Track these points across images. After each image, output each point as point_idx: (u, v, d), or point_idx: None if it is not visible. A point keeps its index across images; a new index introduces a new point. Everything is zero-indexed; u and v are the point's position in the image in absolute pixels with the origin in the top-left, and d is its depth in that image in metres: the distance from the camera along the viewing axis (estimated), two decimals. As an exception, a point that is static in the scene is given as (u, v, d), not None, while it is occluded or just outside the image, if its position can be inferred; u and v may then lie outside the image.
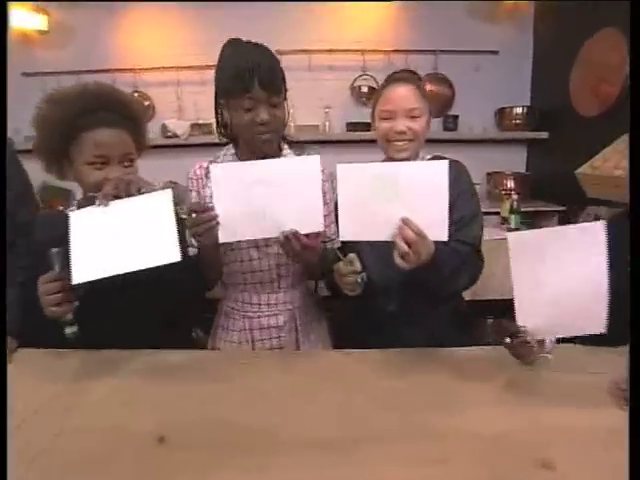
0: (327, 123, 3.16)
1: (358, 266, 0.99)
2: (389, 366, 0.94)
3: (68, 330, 0.91)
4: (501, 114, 3.12)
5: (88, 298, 0.91)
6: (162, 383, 0.88)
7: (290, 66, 2.87)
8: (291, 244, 0.94)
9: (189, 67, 3.11)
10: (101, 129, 1.01)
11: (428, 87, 3.17)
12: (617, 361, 0.86)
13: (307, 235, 0.95)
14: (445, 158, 1.09)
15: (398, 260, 0.90)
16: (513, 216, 2.45)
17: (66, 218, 0.92)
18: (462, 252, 1.06)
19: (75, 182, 1.06)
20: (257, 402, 0.82)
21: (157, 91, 3.22)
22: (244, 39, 1.08)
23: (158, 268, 0.85)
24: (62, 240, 0.90)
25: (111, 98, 1.05)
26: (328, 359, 1.03)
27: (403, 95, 1.13)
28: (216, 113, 1.14)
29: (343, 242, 1.16)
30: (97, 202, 0.92)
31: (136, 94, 3.18)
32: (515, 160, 3.23)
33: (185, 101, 3.19)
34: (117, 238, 0.90)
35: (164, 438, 0.71)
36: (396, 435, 0.72)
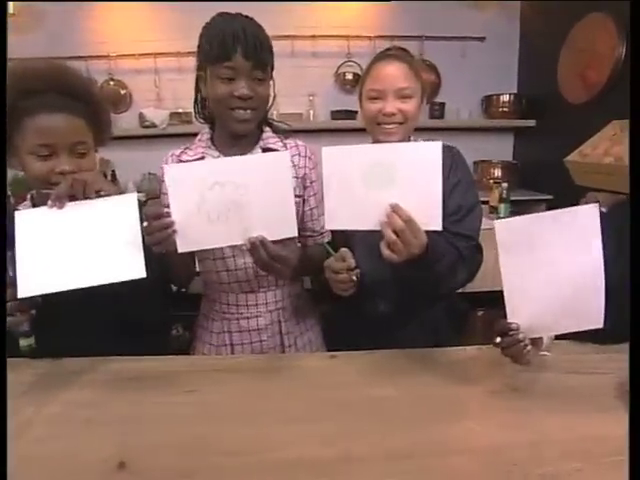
0: (311, 111, 3.05)
1: (352, 262, 0.90)
2: (378, 371, 0.86)
3: (23, 342, 0.80)
4: (488, 101, 3.05)
5: (46, 306, 0.81)
6: (126, 396, 0.79)
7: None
8: (259, 253, 0.83)
9: (167, 54, 2.97)
10: (46, 114, 0.88)
11: (414, 74, 3.09)
12: (621, 359, 0.80)
13: (279, 241, 0.85)
14: (447, 145, 1.01)
15: (386, 251, 0.81)
16: (502, 205, 2.39)
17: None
18: (460, 246, 0.98)
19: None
20: (231, 418, 0.73)
21: (134, 79, 3.07)
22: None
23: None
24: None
25: (61, 78, 0.92)
26: (312, 364, 0.95)
27: (393, 73, 1.03)
28: (196, 89, 1.03)
29: (333, 236, 1.08)
30: (49, 203, 0.81)
31: (112, 82, 3.03)
32: (502, 148, 3.18)
33: (163, 89, 3.05)
34: (72, 247, 0.79)
35: (124, 464, 0.62)
36: (386, 451, 0.64)
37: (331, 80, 3.10)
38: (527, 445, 0.65)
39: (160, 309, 1.02)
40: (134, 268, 0.77)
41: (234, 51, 0.90)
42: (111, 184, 0.91)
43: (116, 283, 0.77)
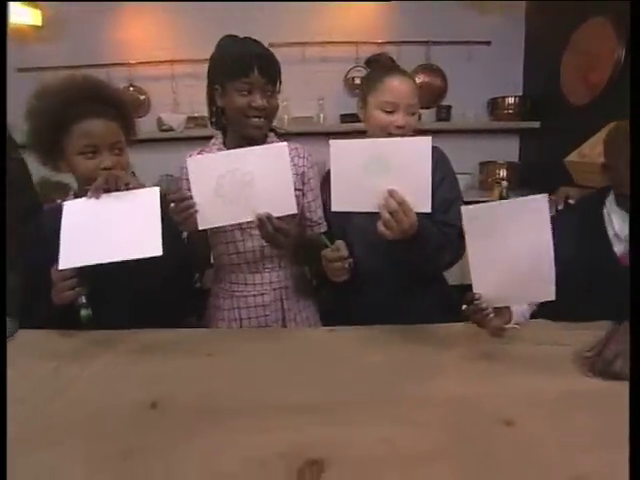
0: (321, 115, 3.20)
1: (345, 252, 1.05)
2: (372, 341, 1.00)
3: (83, 312, 0.97)
4: (493, 104, 3.16)
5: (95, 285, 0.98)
6: (154, 359, 0.94)
7: (284, 59, 2.86)
8: (265, 226, 0.99)
9: (184, 61, 3.15)
10: (89, 119, 1.05)
11: (421, 78, 3.22)
12: (583, 334, 0.92)
13: (281, 218, 1.01)
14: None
15: (381, 228, 0.95)
16: (503, 203, 2.51)
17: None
18: (446, 232, 1.11)
19: (69, 173, 1.11)
20: (243, 373, 0.88)
21: (152, 85, 3.26)
22: (240, 36, 1.15)
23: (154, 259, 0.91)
24: None
25: (97, 89, 1.09)
26: (312, 335, 1.09)
27: (406, 90, 1.17)
28: (209, 101, 1.20)
29: (330, 229, 1.23)
30: (88, 195, 0.98)
31: (131, 88, 3.23)
32: (508, 149, 3.28)
33: (180, 94, 3.23)
34: (105, 229, 0.96)
35: (156, 404, 0.77)
36: (375, 400, 0.78)
37: (340, 85, 3.25)
38: (493, 397, 0.78)
39: (186, 293, 1.19)
40: (154, 247, 0.93)
41: (251, 69, 1.07)
42: (137, 179, 1.08)
43: (152, 272, 0.94)
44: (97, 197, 0.98)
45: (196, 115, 3.12)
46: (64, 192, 2.74)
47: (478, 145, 3.22)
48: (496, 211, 0.89)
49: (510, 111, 3.11)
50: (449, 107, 3.17)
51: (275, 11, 3.12)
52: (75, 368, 0.90)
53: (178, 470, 0.62)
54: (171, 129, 3.07)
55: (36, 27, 2.95)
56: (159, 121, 3.09)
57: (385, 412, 0.74)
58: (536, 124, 3.02)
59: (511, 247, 0.86)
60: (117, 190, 1.00)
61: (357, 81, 3.19)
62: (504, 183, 2.50)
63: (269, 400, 0.78)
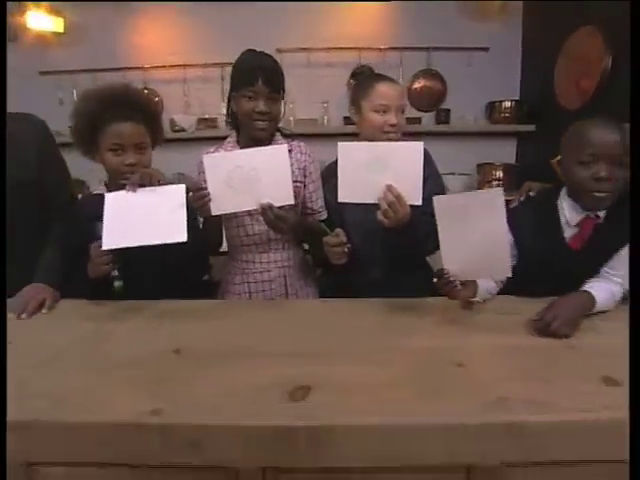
0: (325, 117, 3.41)
1: (344, 238, 1.24)
2: (359, 311, 1.20)
3: (116, 283, 1.18)
4: (491, 108, 3.35)
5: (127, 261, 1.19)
6: (174, 322, 1.14)
7: (290, 63, 3.14)
8: (267, 214, 1.21)
9: (194, 65, 3.38)
10: (119, 122, 1.26)
11: (422, 82, 3.42)
12: (538, 306, 1.10)
13: (282, 208, 1.22)
14: None
15: (380, 217, 1.15)
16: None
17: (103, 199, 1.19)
18: (432, 222, 1.30)
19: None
20: (248, 331, 1.09)
21: (165, 88, 3.49)
22: (258, 49, 1.38)
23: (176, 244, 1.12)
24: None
25: (129, 96, 1.31)
26: (308, 305, 1.30)
27: (396, 92, 1.39)
28: (227, 104, 1.42)
29: (331, 219, 1.43)
30: (127, 188, 1.19)
31: (145, 91, 3.46)
32: (505, 151, 3.45)
33: (191, 97, 3.45)
34: (139, 218, 1.16)
35: (179, 350, 0.97)
36: (354, 350, 0.97)
37: (344, 88, 3.44)
38: (451, 349, 0.96)
39: (204, 269, 1.41)
40: (180, 234, 1.13)
41: (256, 79, 1.28)
42: (165, 177, 1.28)
43: (177, 252, 1.14)
44: (134, 190, 1.19)
45: (206, 117, 3.33)
46: (79, 187, 2.99)
47: (476, 147, 3.40)
48: (462, 201, 1.08)
49: (507, 115, 3.30)
50: (448, 110, 3.36)
51: (282, 18, 3.34)
52: (111, 327, 1.11)
53: (197, 391, 0.82)
54: (183, 130, 3.28)
55: (58, 33, 3.18)
56: (172, 122, 3.31)
57: (362, 357, 0.94)
58: (532, 127, 3.21)
59: (474, 231, 1.05)
60: (151, 185, 1.21)
61: (360, 85, 3.40)
62: (495, 182, 2.68)
63: (267, 349, 0.98)
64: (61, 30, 3.18)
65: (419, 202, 1.16)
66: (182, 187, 1.19)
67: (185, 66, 3.41)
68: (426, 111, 3.39)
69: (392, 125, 1.36)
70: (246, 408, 0.76)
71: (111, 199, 1.19)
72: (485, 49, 3.38)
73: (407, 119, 3.22)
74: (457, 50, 3.37)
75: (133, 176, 1.20)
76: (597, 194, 1.09)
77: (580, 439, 0.72)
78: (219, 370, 0.89)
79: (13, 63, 2.98)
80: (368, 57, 3.37)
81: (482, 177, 3.30)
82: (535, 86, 3.26)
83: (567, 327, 0.97)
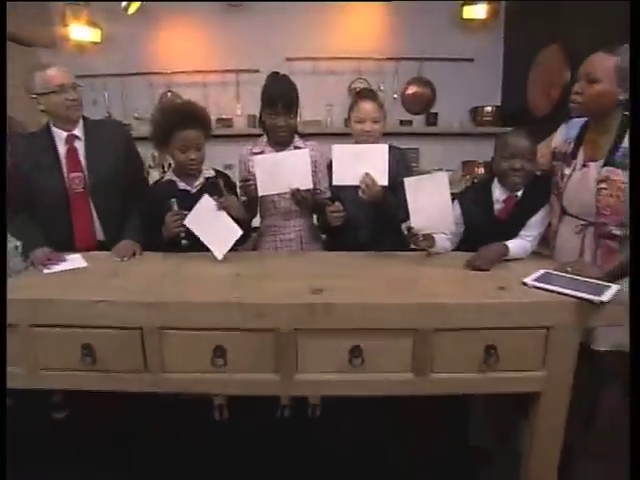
0: (329, 119, 4.02)
1: (341, 208, 1.87)
2: (353, 256, 1.80)
3: (183, 242, 1.78)
4: (475, 112, 3.96)
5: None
6: (226, 262, 1.73)
7: (298, 70, 3.79)
8: (295, 195, 1.86)
9: (213, 71, 3.98)
10: (185, 129, 1.83)
11: (414, 89, 4.03)
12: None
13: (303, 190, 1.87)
14: (396, 147, 1.95)
15: (361, 194, 1.78)
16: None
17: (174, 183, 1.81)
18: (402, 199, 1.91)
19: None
20: (277, 267, 1.69)
21: (186, 90, 4.08)
22: (280, 73, 1.99)
23: None
24: (175, 196, 1.79)
25: (191, 110, 1.88)
26: (317, 254, 1.94)
27: (370, 108, 1.99)
28: (260, 116, 2.02)
29: (332, 193, 2.03)
30: (217, 205, 1.75)
31: (169, 93, 4.06)
32: (486, 150, 3.96)
33: (210, 99, 4.03)
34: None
35: (239, 274, 1.57)
36: (350, 274, 1.56)
37: (345, 93, 4.05)
38: (413, 276, 1.56)
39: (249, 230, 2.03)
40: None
41: (276, 105, 1.89)
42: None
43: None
44: (219, 208, 1.76)
45: (223, 117, 3.93)
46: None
47: (461, 146, 4.02)
48: (423, 180, 1.70)
49: (489, 118, 3.92)
50: (436, 114, 3.98)
51: (291, 31, 3.94)
52: (187, 264, 1.70)
53: (258, 287, 1.42)
54: (202, 128, 3.88)
55: (95, 43, 3.79)
56: (192, 121, 3.91)
57: (354, 277, 1.54)
58: (509, 130, 3.80)
59: (430, 199, 1.67)
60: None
61: (359, 91, 4.01)
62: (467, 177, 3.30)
63: (294, 273, 1.59)
64: (98, 40, 3.78)
65: (386, 183, 1.79)
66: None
67: (205, 72, 4.02)
68: (417, 114, 4.01)
69: (366, 132, 1.98)
70: (287, 297, 1.36)
71: (202, 202, 1.75)
72: (470, 60, 4.00)
73: (400, 121, 3.87)
74: (445, 61, 3.99)
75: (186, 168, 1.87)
76: (513, 179, 1.69)
77: (481, 314, 1.32)
78: (265, 280, 1.50)
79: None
80: (367, 66, 4.00)
81: (466, 172, 3.92)
82: (513, 93, 3.87)
83: (486, 263, 1.57)
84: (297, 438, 2.06)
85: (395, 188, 1.81)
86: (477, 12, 3.67)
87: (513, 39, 3.90)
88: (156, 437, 2.08)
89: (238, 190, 1.96)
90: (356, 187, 1.80)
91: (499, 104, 4.00)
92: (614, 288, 1.34)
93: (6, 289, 1.35)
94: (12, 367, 1.37)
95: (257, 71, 3.89)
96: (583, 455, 1.69)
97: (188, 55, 4.05)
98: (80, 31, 3.69)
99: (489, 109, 3.91)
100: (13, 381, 1.38)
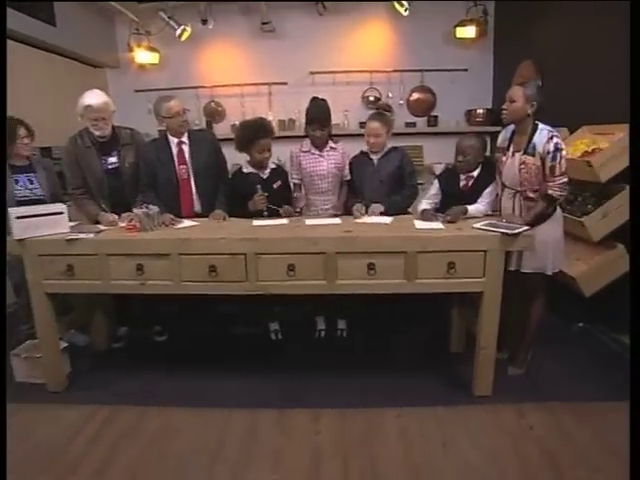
0: (345, 122, 5.16)
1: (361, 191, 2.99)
2: (369, 223, 2.90)
3: (265, 213, 2.89)
4: (469, 114, 5.07)
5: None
6: (288, 227, 2.84)
7: (320, 82, 4.96)
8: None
9: (249, 84, 5.15)
10: (262, 138, 2.93)
11: (417, 95, 5.14)
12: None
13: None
14: (399, 148, 3.06)
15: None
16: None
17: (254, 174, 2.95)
18: (409, 187, 3.02)
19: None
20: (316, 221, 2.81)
21: (226, 100, 5.27)
22: (320, 97, 3.09)
23: None
24: (257, 182, 2.91)
25: (264, 124, 3.01)
26: (343, 220, 3.04)
27: (374, 126, 3.06)
28: (305, 127, 3.13)
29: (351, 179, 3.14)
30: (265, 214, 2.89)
31: (212, 103, 5.23)
32: (480, 146, 5.15)
33: (246, 107, 5.20)
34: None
35: (299, 226, 2.68)
36: (364, 226, 2.67)
37: (359, 100, 5.19)
38: (403, 233, 2.67)
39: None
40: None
41: (316, 123, 3.00)
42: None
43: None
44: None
45: (258, 122, 5.08)
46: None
47: (458, 143, 5.11)
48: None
49: (480, 119, 5.01)
50: (437, 116, 5.09)
51: (314, 50, 5.09)
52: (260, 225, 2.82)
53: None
54: (241, 132, 5.03)
55: (154, 64, 4.97)
56: (233, 127, 5.06)
57: (369, 226, 2.64)
58: (499, 128, 4.80)
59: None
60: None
61: (371, 99, 5.15)
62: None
63: (329, 224, 2.70)
64: (156, 62, 4.95)
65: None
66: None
67: (242, 85, 5.18)
68: (420, 117, 5.12)
69: (371, 143, 3.07)
70: (331, 234, 2.47)
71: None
72: (465, 70, 5.11)
73: (406, 123, 5.04)
74: (444, 71, 5.11)
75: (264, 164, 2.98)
76: (459, 166, 2.79)
77: (446, 242, 2.41)
78: (316, 227, 2.61)
79: (116, 84, 4.88)
80: (377, 77, 5.12)
81: (462, 165, 5.00)
82: (502, 98, 4.90)
83: (453, 218, 2.65)
84: (329, 351, 3.17)
85: (402, 180, 2.94)
86: (467, 32, 4.78)
87: (500, 53, 5.00)
88: (231, 353, 3.19)
89: (289, 178, 3.08)
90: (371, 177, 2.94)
91: (490, 107, 5.09)
92: (523, 228, 2.41)
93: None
94: (165, 281, 2.50)
95: (285, 83, 5.08)
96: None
97: (228, 71, 5.24)
98: (142, 55, 4.87)
99: (481, 111, 5.01)
100: (166, 289, 2.52)
